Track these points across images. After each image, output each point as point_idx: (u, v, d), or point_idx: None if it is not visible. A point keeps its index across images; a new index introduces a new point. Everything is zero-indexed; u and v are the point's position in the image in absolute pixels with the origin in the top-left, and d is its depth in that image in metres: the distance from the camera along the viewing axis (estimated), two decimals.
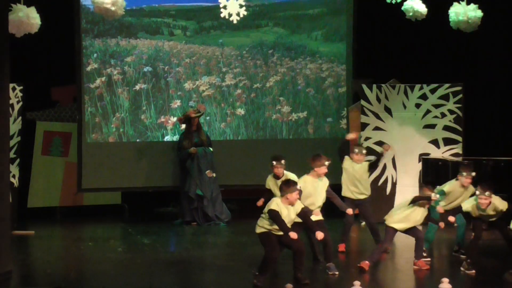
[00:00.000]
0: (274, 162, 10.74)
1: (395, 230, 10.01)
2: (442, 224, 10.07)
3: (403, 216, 9.94)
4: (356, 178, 11.25)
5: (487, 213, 9.84)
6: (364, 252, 11.03)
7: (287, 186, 9.16)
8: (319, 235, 9.22)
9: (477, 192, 9.78)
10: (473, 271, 9.77)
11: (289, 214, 9.12)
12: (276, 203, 9.11)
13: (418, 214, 9.94)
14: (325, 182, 10.26)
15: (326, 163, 10.19)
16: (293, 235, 8.97)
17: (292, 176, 10.39)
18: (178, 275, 10.13)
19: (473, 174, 10.54)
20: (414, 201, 9.91)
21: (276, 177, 10.77)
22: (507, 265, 9.74)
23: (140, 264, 10.55)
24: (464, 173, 10.53)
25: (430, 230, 10.72)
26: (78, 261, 11.09)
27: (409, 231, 10.04)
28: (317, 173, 10.18)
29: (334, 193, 10.48)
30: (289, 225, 9.08)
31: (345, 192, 11.29)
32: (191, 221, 13.89)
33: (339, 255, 10.95)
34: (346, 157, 11.36)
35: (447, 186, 10.67)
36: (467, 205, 9.94)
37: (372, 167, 11.59)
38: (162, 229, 13.61)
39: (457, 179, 10.63)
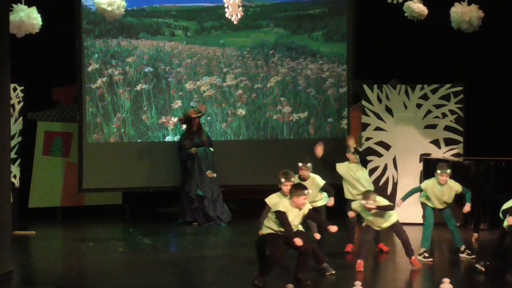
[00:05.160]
0: (300, 164, 10.52)
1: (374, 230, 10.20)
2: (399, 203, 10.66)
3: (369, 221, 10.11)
4: (354, 179, 11.20)
5: None
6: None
7: (295, 189, 9.15)
8: (317, 236, 9.21)
9: None
10: (483, 269, 9.83)
11: (294, 219, 9.07)
12: (284, 205, 9.07)
13: (380, 222, 10.08)
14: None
15: (283, 179, 9.67)
16: (298, 241, 8.94)
17: (318, 178, 10.45)
18: (179, 275, 10.14)
19: (448, 171, 10.66)
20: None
21: (302, 179, 10.65)
22: (508, 266, 9.73)
23: (141, 264, 10.55)
24: (439, 171, 10.68)
25: (429, 217, 10.80)
26: (79, 261, 11.09)
27: (391, 229, 10.16)
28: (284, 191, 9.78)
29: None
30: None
31: (347, 195, 11.27)
32: (192, 221, 13.89)
33: (346, 256, 10.98)
34: (337, 164, 11.28)
35: (423, 183, 10.94)
36: None
37: (362, 163, 11.56)
38: (163, 229, 13.62)
39: (435, 177, 10.75)
